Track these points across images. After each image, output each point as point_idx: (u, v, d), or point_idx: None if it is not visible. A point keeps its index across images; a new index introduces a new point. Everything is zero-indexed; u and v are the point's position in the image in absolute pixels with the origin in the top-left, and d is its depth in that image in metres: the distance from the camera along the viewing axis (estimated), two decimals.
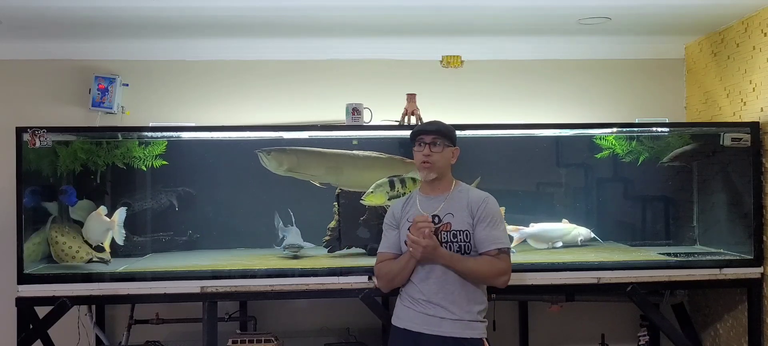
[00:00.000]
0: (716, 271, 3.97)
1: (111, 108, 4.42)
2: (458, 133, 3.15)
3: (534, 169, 4.54)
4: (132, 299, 3.99)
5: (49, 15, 3.91)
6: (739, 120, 4.18)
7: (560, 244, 4.30)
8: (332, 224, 4.12)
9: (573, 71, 4.81)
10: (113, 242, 3.96)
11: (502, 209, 3.17)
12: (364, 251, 4.08)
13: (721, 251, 4.22)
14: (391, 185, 3.86)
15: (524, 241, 4.26)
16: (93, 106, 4.41)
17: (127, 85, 4.52)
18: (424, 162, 3.04)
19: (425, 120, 4.02)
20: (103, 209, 3.95)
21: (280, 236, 4.16)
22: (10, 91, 4.55)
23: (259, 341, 3.97)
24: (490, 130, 4.23)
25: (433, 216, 3.03)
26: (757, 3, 3.87)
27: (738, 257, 4.05)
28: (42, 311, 3.78)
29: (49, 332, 3.85)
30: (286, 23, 4.18)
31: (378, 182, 3.88)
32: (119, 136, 4.18)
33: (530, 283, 3.88)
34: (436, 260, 2.98)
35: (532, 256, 4.13)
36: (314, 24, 4.20)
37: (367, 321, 4.38)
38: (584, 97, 4.80)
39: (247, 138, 4.09)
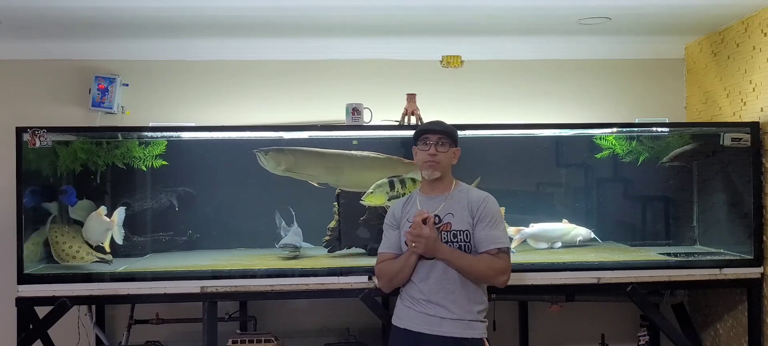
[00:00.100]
0: (716, 271, 3.97)
1: (111, 108, 4.42)
2: (458, 133, 3.15)
3: (534, 169, 4.55)
4: (132, 299, 3.99)
5: (49, 15, 3.91)
6: (739, 120, 4.18)
7: (559, 244, 4.30)
8: (332, 224, 4.12)
9: (573, 71, 4.81)
10: (113, 242, 3.96)
11: (502, 209, 3.17)
12: (364, 251, 4.08)
13: (721, 251, 4.22)
14: (391, 185, 3.85)
15: (524, 241, 4.26)
16: (93, 106, 4.41)
17: (127, 85, 4.52)
18: (430, 161, 3.04)
19: (425, 120, 4.02)
20: (103, 209, 3.95)
21: (283, 236, 4.16)
22: (10, 91, 4.55)
23: (259, 341, 3.97)
24: (490, 130, 4.23)
25: (434, 216, 3.03)
26: (757, 3, 3.87)
27: (738, 257, 4.05)
28: (42, 311, 3.79)
29: (49, 332, 3.85)
30: (286, 23, 4.18)
31: (378, 182, 3.88)
32: (119, 136, 4.18)
33: (530, 283, 3.88)
34: (437, 255, 2.97)
35: (532, 256, 4.13)
36: (314, 24, 4.20)
37: (367, 321, 4.38)
38: (584, 97, 4.80)
39: (247, 138, 4.09)
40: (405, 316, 3.05)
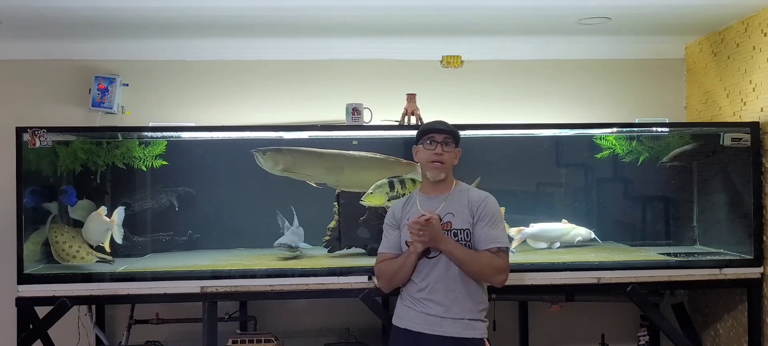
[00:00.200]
0: (716, 271, 3.97)
1: (111, 108, 4.42)
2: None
3: (534, 169, 4.54)
4: (132, 299, 3.99)
5: (49, 15, 3.91)
6: (739, 120, 4.18)
7: (558, 244, 4.30)
8: (332, 224, 4.12)
9: (573, 71, 4.81)
10: (113, 242, 3.96)
11: (502, 209, 3.17)
12: (364, 251, 4.08)
13: (721, 251, 4.22)
14: (391, 185, 3.86)
15: (524, 241, 4.26)
16: (93, 106, 4.41)
17: (127, 85, 4.52)
18: (436, 161, 3.04)
19: (426, 120, 4.02)
20: (103, 209, 3.95)
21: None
22: (10, 91, 4.55)
23: (259, 341, 3.97)
24: (490, 130, 4.23)
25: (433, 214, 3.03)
26: (757, 3, 3.87)
27: (738, 257, 4.05)
28: (42, 311, 3.78)
29: (49, 332, 3.85)
30: (286, 23, 4.18)
31: (378, 182, 3.88)
32: (119, 136, 4.18)
33: (530, 283, 3.88)
34: (440, 245, 2.97)
35: (532, 256, 4.13)
36: (314, 24, 4.20)
37: (367, 321, 4.38)
38: (584, 97, 4.80)
39: (247, 138, 4.09)
40: (405, 316, 3.05)
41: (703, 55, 4.63)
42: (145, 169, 4.19)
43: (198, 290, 3.77)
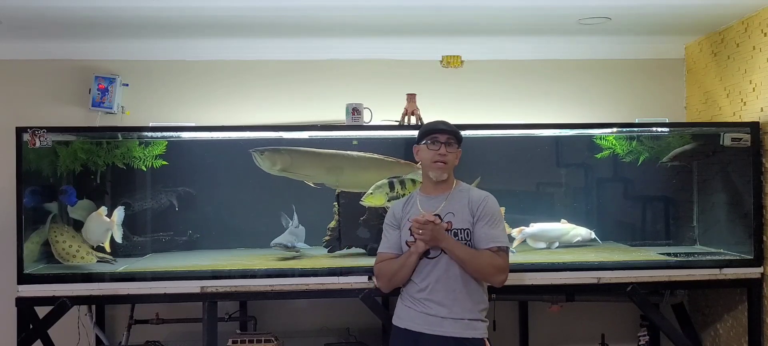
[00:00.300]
0: (716, 271, 3.97)
1: (111, 108, 4.42)
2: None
3: (534, 169, 4.54)
4: (132, 299, 3.99)
5: (49, 15, 3.91)
6: (739, 120, 4.18)
7: (557, 244, 4.30)
8: (332, 224, 4.12)
9: (573, 71, 4.81)
10: (113, 242, 3.96)
11: (502, 209, 3.17)
12: (364, 251, 4.08)
13: (721, 251, 4.22)
14: (391, 186, 3.86)
15: (524, 241, 4.26)
16: (93, 106, 4.41)
17: (127, 85, 4.52)
18: (440, 161, 3.03)
19: (426, 120, 4.02)
20: (103, 210, 3.95)
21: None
22: (10, 91, 4.55)
23: (259, 341, 3.97)
24: (490, 130, 4.22)
25: (435, 215, 3.03)
26: (757, 3, 3.87)
27: (738, 257, 4.05)
28: (42, 311, 3.78)
29: (49, 332, 3.85)
30: (286, 23, 4.18)
31: (377, 183, 3.88)
32: (119, 136, 4.18)
33: (530, 283, 3.88)
34: (440, 243, 2.97)
35: (532, 256, 4.13)
36: (314, 24, 4.20)
37: (367, 321, 4.38)
38: (584, 97, 4.80)
39: (247, 138, 4.09)
40: (405, 316, 3.05)
41: (703, 55, 4.63)
42: (145, 170, 4.19)
43: (198, 290, 3.77)
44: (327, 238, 4.14)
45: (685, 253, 4.24)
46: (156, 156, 4.19)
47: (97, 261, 3.95)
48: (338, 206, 4.05)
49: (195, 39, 4.49)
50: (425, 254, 3.02)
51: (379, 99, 4.36)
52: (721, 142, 4.15)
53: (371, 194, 3.87)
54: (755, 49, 4.03)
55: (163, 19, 4.03)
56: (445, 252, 3.00)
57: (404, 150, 4.10)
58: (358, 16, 4.05)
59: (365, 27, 4.28)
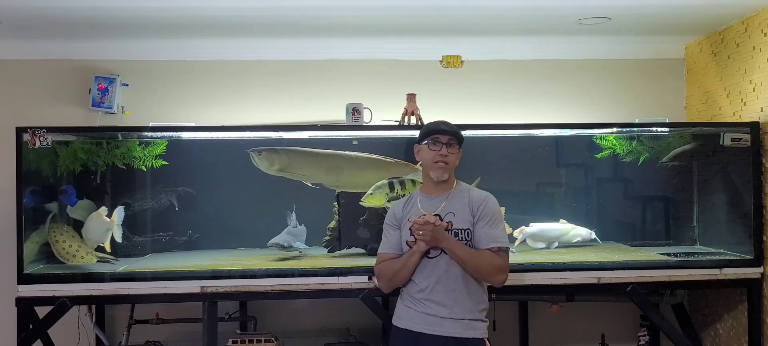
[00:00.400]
0: (716, 271, 3.97)
1: (111, 108, 4.42)
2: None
3: (534, 169, 4.54)
4: (132, 299, 3.99)
5: (49, 15, 3.91)
6: (739, 120, 4.18)
7: (556, 244, 4.30)
8: (332, 224, 4.12)
9: (573, 71, 4.81)
10: (113, 242, 3.96)
11: (502, 209, 3.17)
12: (364, 251, 4.08)
13: (721, 251, 4.22)
14: (391, 186, 3.86)
15: (524, 241, 4.26)
16: (93, 106, 4.41)
17: (127, 85, 4.52)
18: (441, 162, 3.03)
19: (426, 120, 4.02)
20: (103, 210, 3.95)
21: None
22: (10, 91, 4.55)
23: (259, 341, 3.97)
24: (490, 130, 4.22)
25: (435, 216, 3.03)
26: (757, 3, 3.87)
27: (738, 257, 4.05)
28: (42, 311, 3.78)
29: (49, 332, 3.85)
30: (286, 23, 4.18)
31: (377, 183, 3.88)
32: (119, 136, 4.18)
33: (530, 283, 3.88)
34: (441, 243, 2.97)
35: (532, 256, 4.13)
36: (314, 24, 4.20)
37: (367, 321, 4.38)
38: (584, 97, 4.80)
39: (247, 138, 4.09)
40: (405, 316, 3.05)
41: (703, 55, 4.63)
42: (145, 170, 4.19)
43: (198, 290, 3.77)
44: (327, 238, 4.14)
45: (685, 253, 4.24)
46: (156, 156, 4.19)
47: (97, 261, 3.95)
48: (338, 206, 4.05)
49: (195, 39, 4.49)
50: (425, 253, 3.02)
51: (379, 99, 4.36)
52: (721, 142, 4.15)
53: (371, 194, 3.87)
54: (755, 49, 4.03)
55: (163, 19, 4.03)
56: (445, 252, 3.00)
57: (404, 150, 4.10)
58: (358, 16, 4.05)
59: (365, 27, 4.28)
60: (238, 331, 4.37)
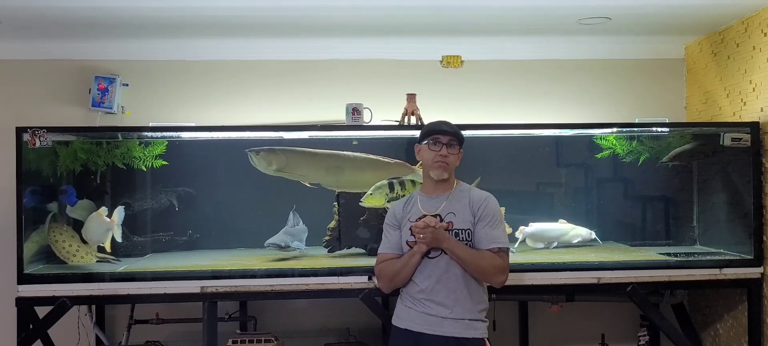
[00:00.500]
0: (716, 271, 3.97)
1: (111, 108, 4.42)
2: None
3: (534, 169, 4.55)
4: (132, 299, 3.99)
5: (49, 15, 3.91)
6: (739, 120, 4.18)
7: (556, 244, 4.30)
8: (332, 224, 4.12)
9: (573, 71, 4.81)
10: (114, 243, 3.97)
11: (502, 209, 3.17)
12: (364, 251, 4.08)
13: (721, 251, 4.22)
14: (391, 187, 3.85)
15: (524, 240, 4.26)
16: (93, 106, 4.41)
17: (127, 85, 4.52)
18: (441, 162, 3.03)
19: (426, 120, 4.02)
20: (104, 210, 3.95)
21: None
22: (10, 91, 4.55)
23: (259, 341, 3.97)
24: (490, 130, 4.22)
25: (435, 216, 3.03)
26: (757, 3, 3.87)
27: (738, 257, 4.05)
28: (42, 311, 3.78)
29: (49, 332, 3.85)
30: (286, 23, 4.18)
31: (377, 184, 3.88)
32: (119, 136, 4.18)
33: (530, 283, 3.88)
34: (442, 244, 2.97)
35: (532, 256, 4.13)
36: (314, 24, 4.20)
37: (367, 321, 4.38)
38: (584, 97, 4.80)
39: (247, 138, 4.09)
40: (405, 316, 3.05)
41: (703, 55, 4.63)
42: (145, 170, 4.19)
43: (198, 290, 3.77)
44: (327, 238, 4.14)
45: (685, 253, 4.24)
46: (156, 156, 4.19)
47: (97, 261, 3.95)
48: (338, 206, 4.05)
49: (195, 39, 4.49)
50: (426, 253, 3.02)
51: (379, 99, 4.36)
52: (721, 142, 4.15)
53: (371, 194, 3.87)
54: (755, 49, 4.03)
55: (163, 19, 4.03)
56: (445, 252, 3.00)
57: (404, 150, 4.10)
58: (358, 16, 4.05)
59: (365, 27, 4.28)
60: (238, 331, 4.37)
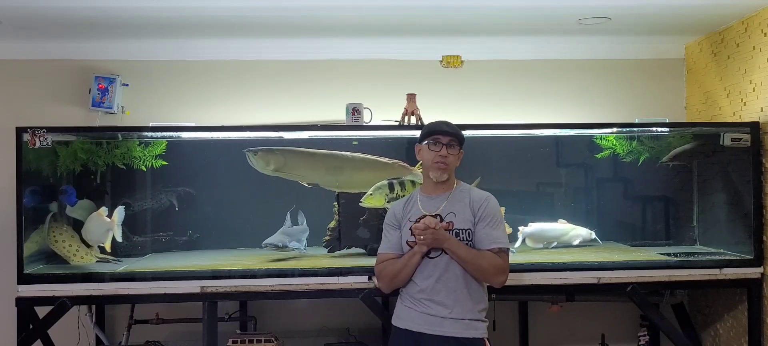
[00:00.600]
0: (716, 271, 3.97)
1: (111, 108, 4.42)
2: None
3: (534, 169, 4.55)
4: (132, 299, 3.99)
5: (49, 15, 3.91)
6: (739, 120, 4.18)
7: (555, 244, 4.30)
8: (332, 224, 4.12)
9: (573, 71, 4.81)
10: (114, 243, 3.97)
11: (502, 209, 3.17)
12: (364, 251, 4.08)
13: (721, 251, 4.22)
14: (391, 187, 3.85)
15: (523, 241, 4.26)
16: (93, 106, 4.41)
17: (127, 85, 4.52)
18: (441, 162, 3.03)
19: (426, 120, 4.02)
20: (104, 210, 3.95)
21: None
22: (10, 91, 4.55)
23: (259, 341, 3.97)
24: (490, 130, 4.22)
25: (435, 216, 3.03)
26: (757, 3, 3.87)
27: (738, 257, 4.05)
28: (42, 311, 3.78)
29: (49, 332, 3.85)
30: (286, 23, 4.18)
31: (377, 184, 3.88)
32: (119, 136, 4.18)
33: (530, 283, 3.88)
34: (442, 244, 2.97)
35: (532, 256, 4.13)
36: (314, 24, 4.20)
37: (367, 321, 4.38)
38: (584, 97, 4.80)
39: (247, 138, 4.09)
40: (405, 316, 3.05)
41: (703, 55, 4.63)
42: (145, 170, 4.19)
43: (198, 290, 3.77)
44: (327, 238, 4.14)
45: (685, 253, 4.24)
46: (156, 156, 4.19)
47: (97, 261, 3.95)
48: (338, 206, 4.05)
49: (195, 39, 4.49)
50: (426, 253, 3.02)
51: (379, 99, 4.36)
52: (721, 142, 4.15)
53: (371, 195, 3.87)
54: (755, 49, 4.03)
55: (163, 19, 4.03)
56: (445, 252, 3.00)
57: (404, 150, 4.10)
58: (358, 16, 4.05)
59: (365, 27, 4.28)
60: (238, 331, 4.37)
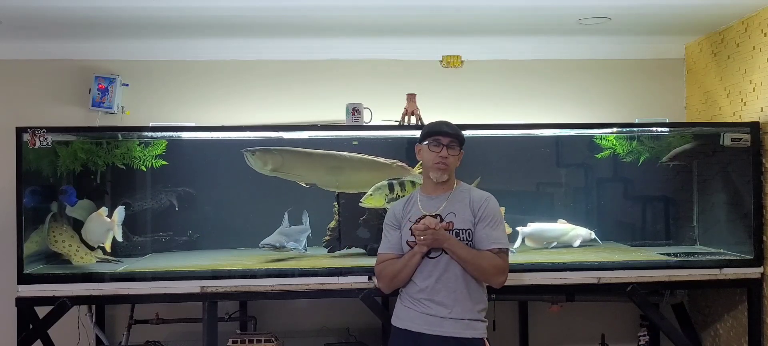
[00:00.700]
0: (716, 271, 3.97)
1: (111, 108, 4.42)
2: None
3: (534, 169, 4.55)
4: (132, 299, 3.99)
5: (49, 15, 3.91)
6: (739, 120, 4.18)
7: (555, 244, 4.30)
8: (332, 224, 4.12)
9: (573, 71, 4.81)
10: (114, 243, 3.97)
11: (502, 209, 3.17)
12: (364, 251, 4.08)
13: (721, 251, 4.22)
14: (390, 188, 3.85)
15: (523, 241, 4.26)
16: (93, 106, 4.41)
17: (127, 85, 4.52)
18: (441, 163, 3.03)
19: (426, 120, 4.02)
20: (104, 210, 3.95)
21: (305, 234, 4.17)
22: (10, 91, 4.55)
23: (259, 341, 3.98)
24: (490, 130, 4.22)
25: (435, 216, 3.03)
26: (757, 3, 3.87)
27: (738, 257, 4.05)
28: (42, 311, 3.78)
29: (49, 332, 3.85)
30: (286, 23, 4.18)
31: (377, 184, 3.87)
32: (119, 136, 4.18)
33: (530, 283, 3.88)
34: (442, 244, 2.97)
35: (532, 256, 4.13)
36: (314, 24, 4.20)
37: (367, 321, 4.38)
38: (584, 97, 4.80)
39: (247, 138, 4.09)
40: (405, 316, 3.05)
41: (703, 55, 4.63)
42: (145, 170, 4.19)
43: (198, 290, 3.77)
44: (327, 238, 4.14)
45: (685, 253, 4.24)
46: (156, 156, 4.19)
47: (97, 261, 3.95)
48: (338, 206, 4.05)
49: (195, 39, 4.49)
50: (426, 253, 3.02)
51: (379, 99, 4.36)
52: (721, 142, 4.15)
53: (370, 195, 3.86)
54: (755, 49, 4.03)
55: (163, 19, 4.03)
56: (445, 252, 3.00)
57: (404, 150, 4.10)
58: (358, 16, 4.05)
59: (365, 27, 4.28)
60: (238, 331, 4.38)
